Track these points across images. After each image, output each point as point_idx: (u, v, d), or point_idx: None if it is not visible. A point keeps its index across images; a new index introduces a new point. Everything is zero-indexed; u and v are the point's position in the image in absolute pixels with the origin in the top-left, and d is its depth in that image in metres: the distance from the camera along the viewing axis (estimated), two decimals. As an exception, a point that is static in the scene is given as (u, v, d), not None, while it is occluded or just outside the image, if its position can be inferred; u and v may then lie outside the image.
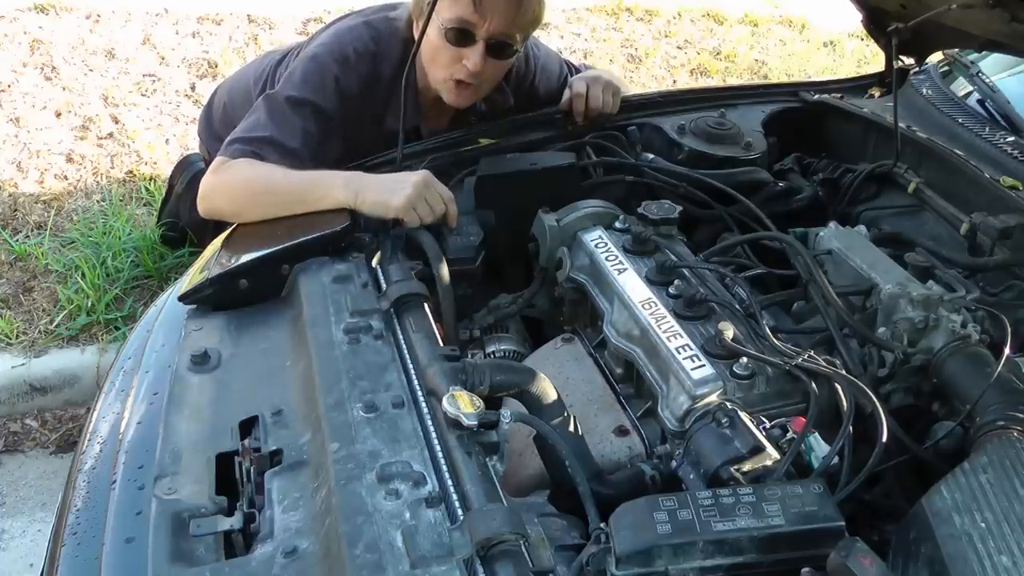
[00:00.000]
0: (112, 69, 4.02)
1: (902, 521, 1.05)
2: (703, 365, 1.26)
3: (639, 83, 4.52)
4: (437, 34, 1.82)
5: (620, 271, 1.51)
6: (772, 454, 1.11)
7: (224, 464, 1.18)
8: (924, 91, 2.21)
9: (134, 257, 2.96)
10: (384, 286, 1.51)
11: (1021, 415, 1.12)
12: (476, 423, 1.13)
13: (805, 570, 0.94)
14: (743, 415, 1.17)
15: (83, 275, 2.86)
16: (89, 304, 2.78)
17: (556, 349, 1.57)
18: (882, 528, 1.15)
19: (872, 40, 2.23)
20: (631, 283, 1.47)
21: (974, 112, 2.09)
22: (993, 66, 2.24)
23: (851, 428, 1.13)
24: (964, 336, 1.27)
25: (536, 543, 1.01)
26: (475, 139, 2.01)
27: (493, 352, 1.63)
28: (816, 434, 1.16)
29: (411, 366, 1.29)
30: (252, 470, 1.15)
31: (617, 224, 1.66)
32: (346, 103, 1.84)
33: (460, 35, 1.81)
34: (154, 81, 3.99)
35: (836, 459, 1.11)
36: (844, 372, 1.24)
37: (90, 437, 1.31)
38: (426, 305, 1.46)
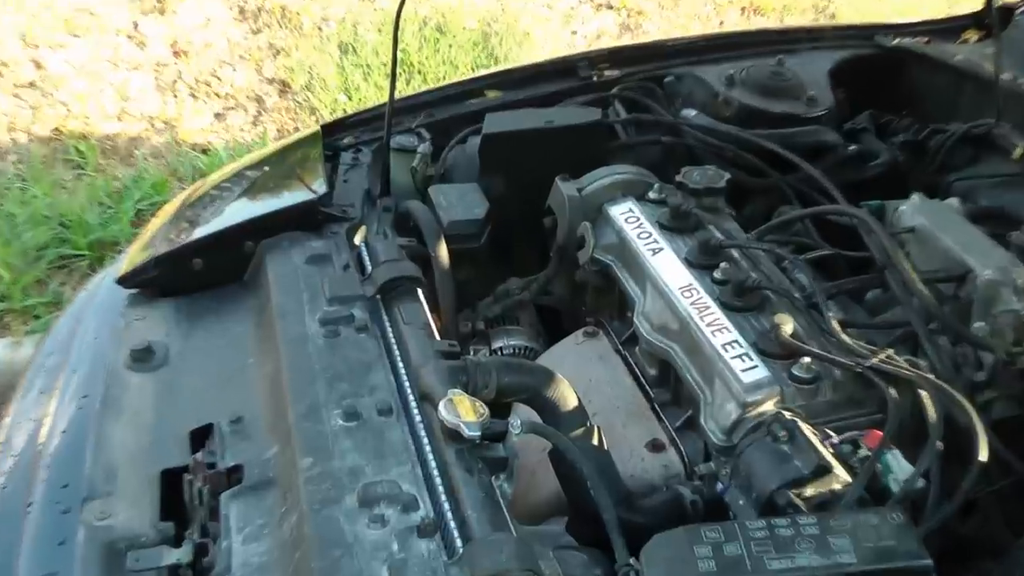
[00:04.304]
0: (32, 1, 4.01)
1: (1004, 559, 1.04)
2: (755, 366, 1.26)
3: (677, 24, 4.50)
4: None
5: (655, 251, 1.51)
6: (841, 475, 1.10)
7: (171, 483, 1.18)
8: (1033, 34, 2.18)
9: (59, 231, 2.96)
10: (369, 268, 1.51)
11: None
12: (479, 434, 1.12)
13: (882, 618, 0.93)
14: (805, 427, 1.16)
15: (-7, 252, 2.86)
16: (1, 288, 2.78)
17: (577, 345, 1.58)
18: (979, 567, 1.15)
19: (967, -30, 2.21)
20: (668, 266, 1.47)
21: (1096, 59, 2.07)
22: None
23: (940, 444, 1.13)
24: (1081, 333, 1.26)
25: (551, 582, 1.00)
26: (480, 91, 2.01)
27: (500, 348, 1.64)
28: (896, 451, 1.15)
29: (401, 365, 1.29)
30: (205, 491, 1.15)
31: (651, 194, 1.66)
32: None
33: None
34: (88, 17, 3.99)
35: (921, 482, 1.10)
36: (931, 376, 1.23)
37: (1, 450, 1.31)
38: (420, 291, 1.46)
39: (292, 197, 1.61)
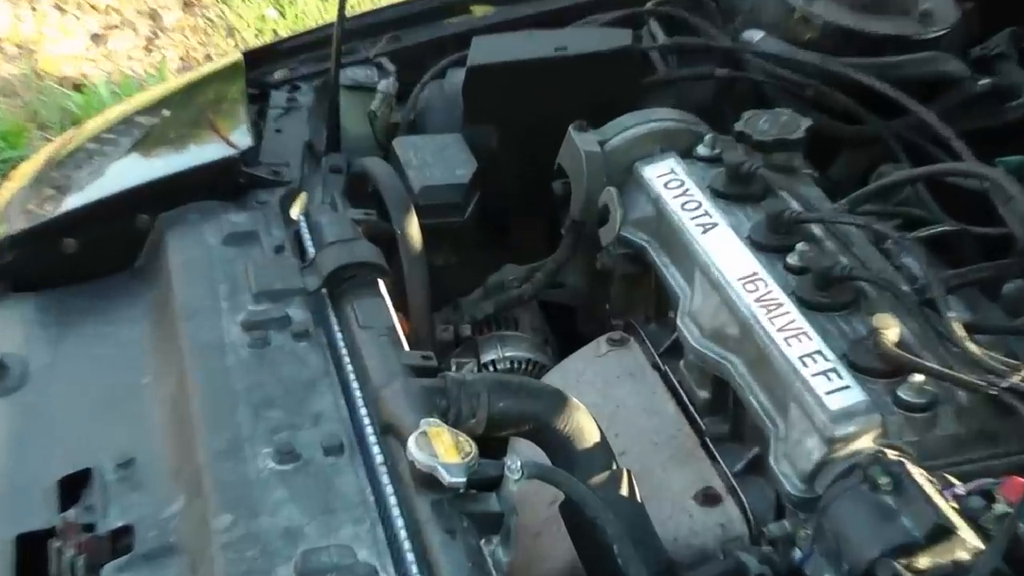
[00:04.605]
0: None
1: None
2: (846, 387, 1.26)
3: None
4: None
5: (706, 228, 1.51)
6: (968, 540, 1.10)
7: (31, 552, 1.18)
8: None
9: None
10: (312, 251, 1.51)
11: None
12: (464, 480, 1.11)
13: None
14: (917, 472, 1.15)
15: None
16: None
17: (599, 357, 1.58)
18: None
19: None
20: (724, 248, 1.47)
21: None
22: None
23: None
24: None
25: None
26: (464, 6, 2.03)
27: (493, 362, 1.65)
28: (1047, 506, 1.15)
29: (356, 385, 1.30)
30: (80, 562, 1.14)
31: (701, 149, 1.67)
32: None
33: None
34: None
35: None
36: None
37: None
38: (382, 283, 1.47)
39: (203, 153, 1.61)
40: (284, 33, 4.29)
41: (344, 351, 1.36)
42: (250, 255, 1.49)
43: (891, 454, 1.18)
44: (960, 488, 1.16)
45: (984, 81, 1.96)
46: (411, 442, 1.13)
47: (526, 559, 1.31)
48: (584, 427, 1.27)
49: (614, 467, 1.27)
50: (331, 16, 1.72)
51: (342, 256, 1.46)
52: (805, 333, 1.33)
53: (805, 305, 1.37)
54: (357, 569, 1.07)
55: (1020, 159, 1.63)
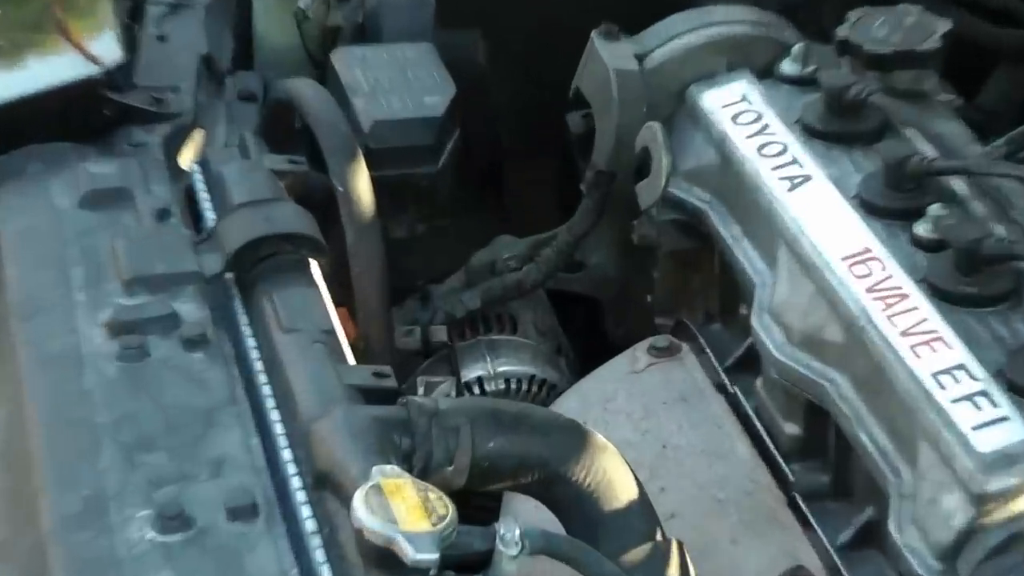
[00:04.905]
0: None
1: None
2: (1003, 418, 1.24)
3: None
4: None
5: (795, 182, 1.51)
6: None
7: None
8: None
9: None
10: (212, 218, 1.51)
11: None
12: (435, 557, 1.08)
13: None
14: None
15: None
16: None
17: (636, 375, 1.57)
18: None
19: None
20: (823, 212, 1.47)
21: None
22: None
23: None
24: None
25: None
26: None
27: (480, 379, 1.65)
28: None
29: (275, 416, 1.28)
30: None
31: (787, 66, 1.67)
32: None
33: None
34: None
35: None
36: None
37: None
38: (315, 265, 1.46)
39: (49, 71, 1.60)
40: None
41: (259, 366, 1.34)
42: (120, 223, 1.48)
43: (1072, 519, 1.16)
44: None
45: None
46: (357, 500, 1.10)
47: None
48: (614, 477, 1.25)
49: (658, 537, 1.24)
50: None
51: (256, 225, 1.44)
52: (942, 339, 1.31)
53: (942, 297, 1.35)
54: None
55: None
